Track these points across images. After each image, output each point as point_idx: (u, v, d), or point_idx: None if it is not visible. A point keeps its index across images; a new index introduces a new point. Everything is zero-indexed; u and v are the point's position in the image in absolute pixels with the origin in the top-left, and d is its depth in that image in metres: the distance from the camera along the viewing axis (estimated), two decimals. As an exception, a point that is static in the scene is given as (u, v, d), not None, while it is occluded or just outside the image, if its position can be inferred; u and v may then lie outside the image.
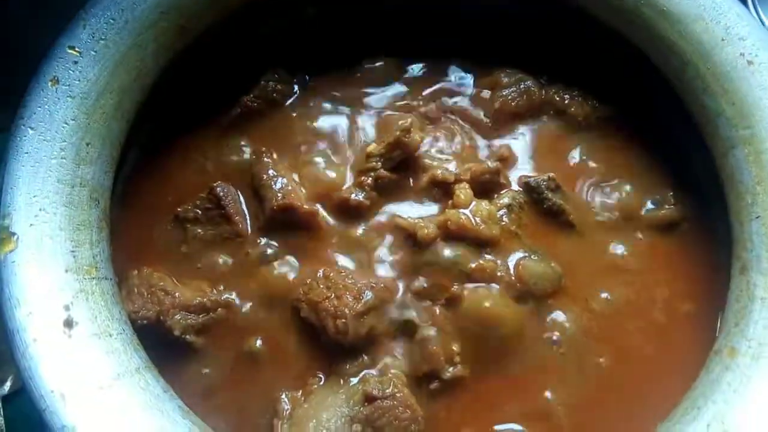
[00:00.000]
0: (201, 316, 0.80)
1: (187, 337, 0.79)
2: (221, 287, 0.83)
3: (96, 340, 0.66)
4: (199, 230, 0.86)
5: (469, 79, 0.97)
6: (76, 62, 0.77)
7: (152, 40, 0.82)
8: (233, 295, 0.83)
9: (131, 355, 0.69)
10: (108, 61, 0.79)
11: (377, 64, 0.96)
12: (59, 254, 0.69)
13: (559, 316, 0.82)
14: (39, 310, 0.66)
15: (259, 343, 0.80)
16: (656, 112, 0.91)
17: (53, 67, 0.76)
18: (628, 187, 0.89)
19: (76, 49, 0.78)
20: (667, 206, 0.88)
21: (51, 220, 0.70)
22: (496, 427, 0.77)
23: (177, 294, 0.80)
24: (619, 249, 0.87)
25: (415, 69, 0.97)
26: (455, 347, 0.78)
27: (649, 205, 0.89)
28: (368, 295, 0.79)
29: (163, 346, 0.77)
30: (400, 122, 0.90)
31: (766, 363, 0.68)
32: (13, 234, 0.68)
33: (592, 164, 0.91)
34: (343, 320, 0.76)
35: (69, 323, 0.66)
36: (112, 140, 0.79)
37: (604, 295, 0.84)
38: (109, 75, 0.79)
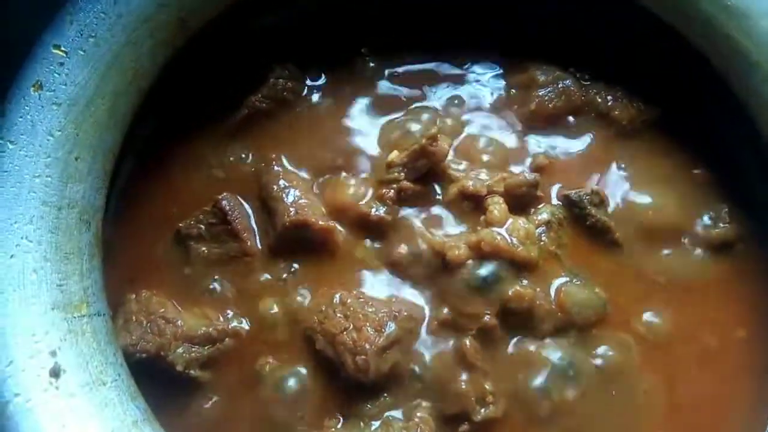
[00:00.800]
0: (206, 347, 0.73)
1: (191, 372, 0.71)
2: (228, 313, 0.76)
3: (87, 392, 0.59)
4: (204, 248, 0.78)
5: (499, 75, 0.87)
6: (62, 64, 0.68)
7: (149, 36, 0.73)
8: (242, 323, 0.75)
9: (127, 405, 0.61)
10: (99, 61, 0.70)
11: (396, 57, 0.87)
12: (45, 290, 0.61)
13: (604, 348, 0.74)
14: (21, 357, 0.58)
15: (270, 378, 0.73)
16: (712, 119, 0.82)
17: (36, 70, 0.68)
18: (678, 202, 0.81)
19: (62, 48, 0.69)
20: (721, 224, 0.79)
21: (35, 250, 0.62)
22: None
23: (179, 322, 0.73)
24: (668, 270, 0.78)
25: (439, 65, 0.87)
26: (488, 385, 0.71)
27: (701, 221, 0.80)
28: (391, 326, 0.71)
29: (163, 381, 0.71)
30: (425, 127, 0.82)
31: None
32: (-9, 268, 0.60)
33: (638, 175, 0.82)
34: (364, 357, 0.69)
35: (56, 372, 0.58)
36: (105, 152, 0.71)
37: (652, 321, 0.76)
38: (100, 78, 0.70)
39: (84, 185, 0.67)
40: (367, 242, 0.78)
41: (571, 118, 0.84)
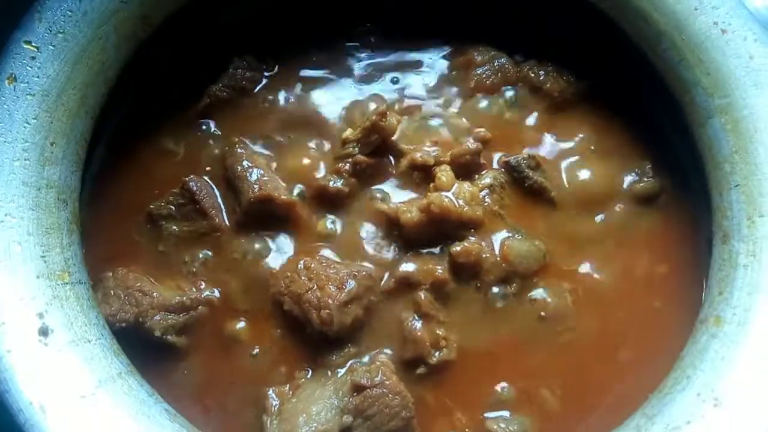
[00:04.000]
0: (182, 315, 0.78)
1: (169, 337, 0.77)
2: (201, 284, 0.81)
3: (74, 347, 0.64)
4: (174, 227, 0.83)
5: (443, 59, 0.95)
6: (33, 58, 0.74)
7: (113, 31, 0.79)
8: (214, 292, 0.81)
9: (111, 360, 0.67)
10: (68, 55, 0.75)
11: (346, 45, 0.94)
12: (29, 260, 0.66)
13: (544, 292, 0.82)
14: (12, 319, 0.63)
15: (243, 339, 0.79)
16: (632, 85, 0.90)
17: (9, 64, 0.73)
18: (606, 161, 0.89)
19: (33, 44, 0.74)
20: (645, 179, 0.88)
21: (18, 225, 0.67)
22: (486, 414, 0.77)
23: (155, 294, 0.78)
24: (599, 223, 0.86)
25: (385, 49, 0.94)
26: (441, 332, 0.78)
27: (628, 178, 0.88)
28: (351, 284, 0.78)
29: (144, 348, 0.76)
30: (375, 106, 0.90)
31: (752, 329, 0.69)
32: (-22, 242, 0.65)
33: (569, 140, 0.90)
34: (327, 311, 0.75)
35: (44, 331, 0.64)
36: (77, 138, 0.76)
37: (586, 268, 0.84)
38: (70, 70, 0.75)
39: (60, 168, 0.73)
40: (327, 213, 0.85)
41: (508, 92, 0.92)
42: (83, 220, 0.79)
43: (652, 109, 0.89)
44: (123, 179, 0.86)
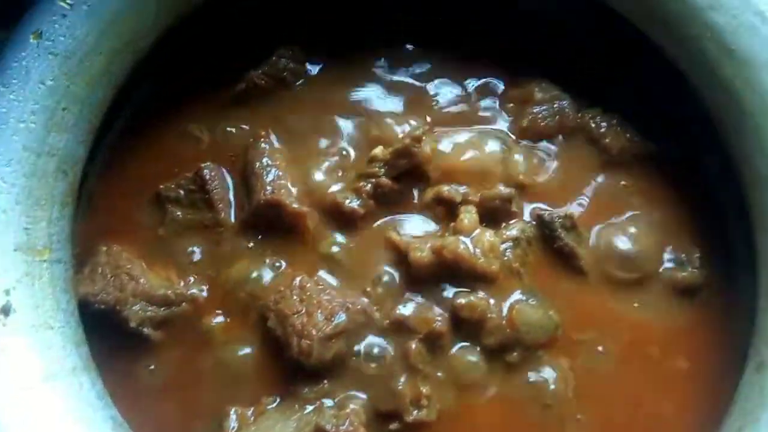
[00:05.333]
0: (163, 308, 0.75)
1: (144, 329, 0.74)
2: (190, 280, 0.78)
3: (33, 333, 0.62)
4: (179, 213, 0.80)
5: (498, 87, 0.87)
6: (64, 15, 0.70)
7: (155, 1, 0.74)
8: (202, 291, 0.77)
9: (70, 352, 0.64)
10: (100, 17, 0.71)
11: (398, 55, 0.87)
12: (11, 231, 0.64)
13: (545, 372, 0.74)
14: (-24, 291, 0.61)
15: (219, 345, 0.75)
16: (701, 162, 0.81)
17: (38, 19, 0.70)
18: (651, 239, 0.80)
19: (68, 1, 0.71)
20: (690, 268, 0.79)
21: (8, 192, 0.65)
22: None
23: (142, 280, 0.75)
24: (626, 305, 0.78)
25: (439, 65, 0.87)
26: (424, 389, 0.72)
27: (670, 263, 0.79)
28: (341, 317, 0.73)
29: (115, 335, 0.73)
30: (414, 126, 0.83)
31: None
32: (-38, 203, 0.63)
33: (617, 206, 0.82)
34: (308, 341, 0.71)
35: (6, 310, 0.61)
36: (93, 107, 0.73)
37: (599, 351, 0.76)
38: (100, 34, 0.71)
39: (67, 136, 0.69)
40: (336, 232, 0.79)
41: (561, 139, 0.84)
42: (90, 188, 0.76)
43: (718, 192, 0.79)
44: (140, 153, 0.82)
